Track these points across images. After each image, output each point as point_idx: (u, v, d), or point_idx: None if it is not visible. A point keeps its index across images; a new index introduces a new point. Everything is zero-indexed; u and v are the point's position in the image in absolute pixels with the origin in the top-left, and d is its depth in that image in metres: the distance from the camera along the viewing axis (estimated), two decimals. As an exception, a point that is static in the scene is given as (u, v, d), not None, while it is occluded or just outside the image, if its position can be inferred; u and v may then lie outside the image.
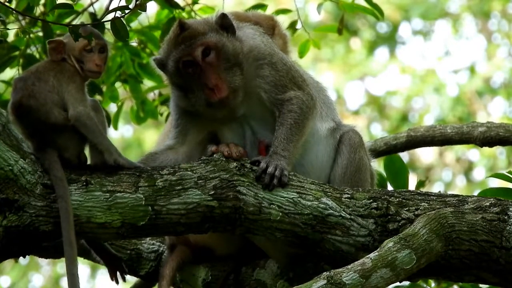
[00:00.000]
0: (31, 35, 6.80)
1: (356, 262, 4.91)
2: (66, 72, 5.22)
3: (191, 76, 5.42)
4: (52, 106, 5.10)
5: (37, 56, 6.80)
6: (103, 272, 17.57)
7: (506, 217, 5.16)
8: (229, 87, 5.39)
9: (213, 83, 5.37)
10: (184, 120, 5.57)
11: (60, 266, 17.44)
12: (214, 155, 5.29)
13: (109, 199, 5.09)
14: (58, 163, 5.08)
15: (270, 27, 6.31)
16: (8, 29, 6.34)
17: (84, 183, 5.10)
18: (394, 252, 4.94)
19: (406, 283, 6.42)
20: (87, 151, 5.26)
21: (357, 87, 18.58)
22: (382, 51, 18.62)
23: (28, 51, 6.83)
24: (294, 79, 5.54)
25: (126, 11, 5.20)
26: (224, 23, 5.51)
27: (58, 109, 5.12)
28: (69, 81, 5.19)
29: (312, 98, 5.54)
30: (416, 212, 5.22)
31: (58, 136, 5.12)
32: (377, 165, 6.16)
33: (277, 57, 5.56)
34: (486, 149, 7.53)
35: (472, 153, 17.54)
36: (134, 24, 7.17)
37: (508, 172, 5.83)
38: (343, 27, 7.08)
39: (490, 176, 6.04)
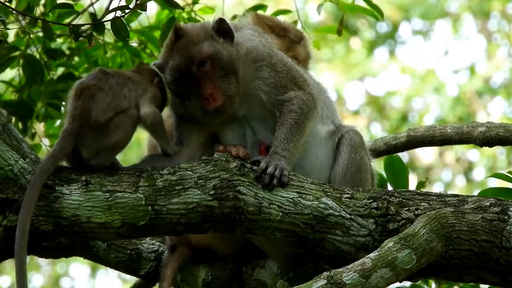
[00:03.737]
0: (31, 35, 6.79)
1: (356, 262, 4.90)
2: (151, 92, 5.35)
3: (187, 85, 5.40)
4: (107, 109, 5.13)
5: (37, 56, 6.80)
6: (103, 272, 17.59)
7: (506, 217, 5.16)
8: (224, 95, 5.37)
9: (207, 92, 5.35)
10: (185, 122, 5.56)
11: (60, 266, 17.45)
12: (214, 155, 5.29)
13: (109, 199, 5.09)
14: (50, 157, 5.03)
15: (297, 37, 6.30)
16: (8, 29, 6.35)
17: (84, 183, 5.10)
18: (394, 252, 4.94)
19: (407, 283, 6.42)
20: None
21: (357, 87, 18.60)
22: (382, 51, 18.65)
23: (28, 51, 6.83)
24: (294, 80, 5.53)
25: (126, 11, 5.21)
26: (222, 29, 5.48)
27: (109, 112, 5.15)
28: (147, 92, 5.33)
29: (313, 98, 5.52)
30: (416, 212, 5.21)
31: (89, 133, 5.11)
32: (377, 165, 6.16)
33: (276, 57, 5.53)
34: (486, 149, 7.53)
35: (472, 153, 17.56)
36: (134, 24, 7.17)
37: (508, 172, 5.83)
38: (342, 28, 7.07)
39: (490, 176, 6.03)
